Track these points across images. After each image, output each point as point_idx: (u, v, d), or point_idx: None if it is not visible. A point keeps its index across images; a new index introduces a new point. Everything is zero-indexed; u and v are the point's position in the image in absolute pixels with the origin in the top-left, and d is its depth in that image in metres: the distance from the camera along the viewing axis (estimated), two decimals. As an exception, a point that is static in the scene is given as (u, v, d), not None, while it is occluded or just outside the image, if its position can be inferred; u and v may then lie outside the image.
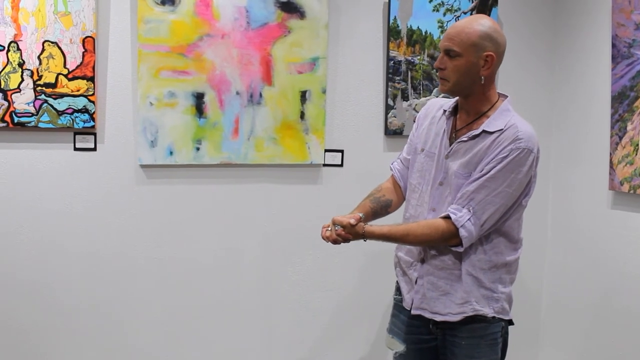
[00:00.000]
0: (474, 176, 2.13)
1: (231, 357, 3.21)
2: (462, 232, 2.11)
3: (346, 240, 2.17)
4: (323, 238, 2.21)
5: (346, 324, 3.35)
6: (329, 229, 2.19)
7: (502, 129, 2.13)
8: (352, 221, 2.15)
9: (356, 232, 2.15)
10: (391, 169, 2.50)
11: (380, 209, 2.39)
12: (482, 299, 2.19)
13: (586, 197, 3.23)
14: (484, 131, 2.15)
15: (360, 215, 2.21)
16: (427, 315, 2.24)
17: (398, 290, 2.40)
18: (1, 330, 2.93)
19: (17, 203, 2.91)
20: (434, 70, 3.18)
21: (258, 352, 3.25)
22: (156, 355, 3.12)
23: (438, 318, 2.22)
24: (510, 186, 2.11)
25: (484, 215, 2.11)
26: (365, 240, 2.20)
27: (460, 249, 2.16)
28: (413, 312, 2.27)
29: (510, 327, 2.30)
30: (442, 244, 2.17)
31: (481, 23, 2.13)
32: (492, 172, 2.10)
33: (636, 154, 2.86)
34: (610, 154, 3.00)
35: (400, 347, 2.35)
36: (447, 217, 2.14)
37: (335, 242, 2.18)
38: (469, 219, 2.11)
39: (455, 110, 2.28)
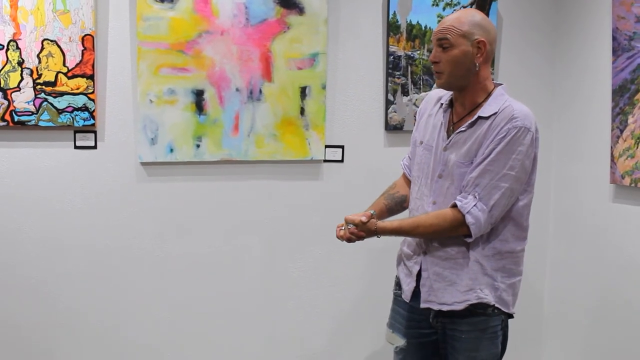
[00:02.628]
0: (475, 162, 2.14)
1: (233, 353, 3.22)
2: (469, 219, 2.11)
3: (360, 237, 2.18)
4: (337, 237, 2.24)
5: (348, 319, 3.35)
6: (343, 228, 2.22)
7: (496, 112, 2.14)
8: (364, 219, 2.17)
9: (368, 229, 2.17)
10: (402, 166, 2.52)
11: (395, 205, 2.43)
12: (486, 287, 2.19)
13: (588, 190, 3.23)
14: (479, 117, 2.16)
15: (372, 212, 2.23)
16: (435, 307, 2.24)
17: (397, 284, 2.41)
18: (2, 327, 2.94)
19: (17, 201, 2.91)
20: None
21: (260, 348, 3.25)
22: (158, 352, 3.13)
23: (445, 308, 2.22)
24: (513, 168, 2.11)
25: (491, 201, 2.11)
26: (379, 237, 2.22)
27: (470, 239, 2.15)
28: (422, 305, 2.26)
29: (513, 321, 2.30)
30: (452, 234, 2.17)
31: (470, 14, 2.19)
32: (493, 154, 2.10)
33: (637, 147, 2.85)
34: (612, 147, 3.00)
35: (401, 342, 2.35)
36: (455, 206, 2.15)
37: (349, 240, 2.21)
38: (475, 205, 2.11)
39: (452, 103, 2.29)
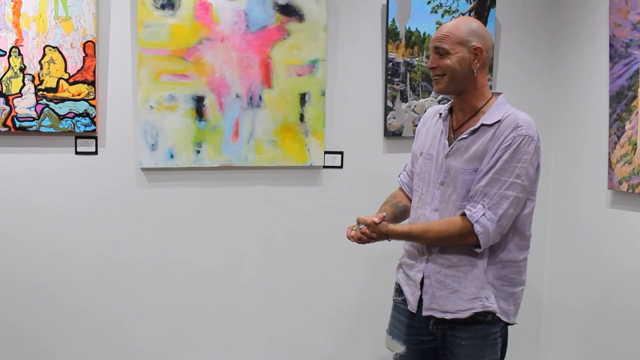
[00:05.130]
0: (482, 170, 2.15)
1: (233, 358, 3.22)
2: (477, 228, 2.11)
3: (370, 238, 2.19)
4: (348, 238, 2.25)
5: (347, 325, 3.36)
6: (354, 229, 2.23)
7: (500, 120, 2.16)
8: (376, 219, 2.18)
9: (380, 230, 2.18)
10: (398, 182, 2.53)
11: (400, 213, 2.44)
12: (490, 295, 2.19)
13: (585, 196, 3.24)
14: (482, 125, 2.18)
15: (384, 214, 2.24)
16: (438, 315, 2.23)
17: (397, 291, 2.41)
18: (4, 332, 2.95)
19: (19, 207, 2.92)
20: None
21: (260, 354, 3.26)
22: (158, 356, 3.13)
23: (448, 316, 2.21)
24: (519, 176, 2.12)
25: (499, 210, 2.12)
26: (389, 240, 2.23)
27: (479, 250, 2.16)
28: (424, 313, 2.26)
29: (511, 327, 2.30)
30: (461, 242, 2.17)
31: (467, 22, 2.22)
32: (500, 163, 2.12)
33: (634, 153, 2.87)
34: (609, 153, 3.02)
35: (401, 348, 2.35)
36: (464, 215, 2.16)
37: (360, 240, 2.21)
38: (483, 214, 2.11)
39: (450, 113, 2.31)
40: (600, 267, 3.14)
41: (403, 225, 2.24)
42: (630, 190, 2.90)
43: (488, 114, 2.19)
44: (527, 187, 2.16)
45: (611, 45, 2.98)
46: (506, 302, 2.23)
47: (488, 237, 2.13)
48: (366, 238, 2.20)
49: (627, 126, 2.91)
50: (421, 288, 2.27)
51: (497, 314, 2.20)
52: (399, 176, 2.55)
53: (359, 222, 2.21)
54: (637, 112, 2.85)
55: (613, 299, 3.06)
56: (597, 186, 3.14)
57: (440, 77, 2.21)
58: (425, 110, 2.50)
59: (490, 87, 2.31)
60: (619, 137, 2.96)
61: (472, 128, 2.19)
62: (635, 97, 2.86)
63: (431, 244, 2.24)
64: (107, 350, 3.07)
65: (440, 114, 2.33)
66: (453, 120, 2.29)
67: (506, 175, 2.12)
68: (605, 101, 3.05)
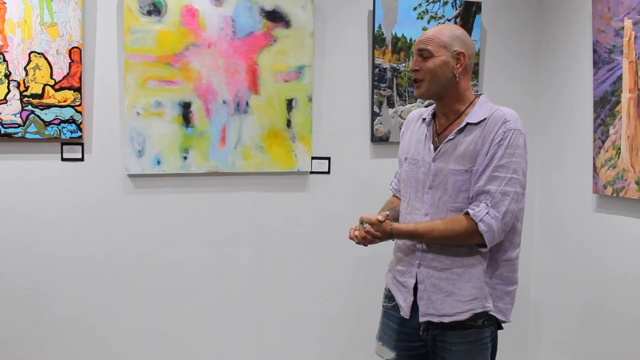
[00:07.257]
0: (478, 170, 2.15)
1: (221, 365, 3.22)
2: (482, 227, 2.11)
3: (375, 238, 2.18)
4: (351, 238, 2.24)
5: (336, 330, 3.36)
6: (357, 229, 2.21)
7: (485, 117, 2.17)
8: (380, 218, 2.18)
9: (384, 229, 2.17)
10: (391, 189, 2.55)
11: (399, 216, 2.43)
12: (488, 295, 2.20)
13: (571, 200, 3.27)
14: (468, 124, 2.18)
15: (387, 212, 2.24)
16: (435, 319, 2.22)
17: (387, 297, 2.41)
18: (-11, 342, 2.93)
19: (4, 213, 2.90)
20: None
21: (249, 359, 3.26)
22: (146, 365, 3.12)
23: (446, 320, 2.21)
24: (516, 171, 2.14)
25: (502, 207, 2.12)
26: (393, 240, 2.23)
27: (485, 249, 2.16)
28: (421, 319, 2.24)
29: (498, 330, 2.31)
30: (466, 241, 2.16)
31: (451, 28, 2.24)
32: (495, 160, 2.13)
33: (618, 158, 2.90)
34: (594, 157, 3.05)
35: (390, 355, 2.35)
36: (467, 214, 2.15)
37: (364, 240, 2.20)
38: (487, 213, 2.11)
39: (434, 117, 2.31)
40: (586, 270, 3.17)
41: (407, 224, 2.23)
42: (614, 195, 2.93)
43: (472, 113, 2.20)
44: (523, 181, 2.17)
45: (595, 51, 3.02)
46: (503, 301, 2.24)
47: (493, 235, 2.13)
48: (370, 237, 2.18)
49: (611, 131, 2.94)
50: (415, 294, 2.27)
51: (491, 312, 2.20)
52: (391, 184, 2.56)
53: (362, 222, 2.19)
54: (621, 117, 2.88)
55: (599, 301, 3.09)
56: (582, 190, 3.17)
57: (420, 82, 2.22)
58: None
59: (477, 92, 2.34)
60: (603, 142, 2.99)
61: (458, 128, 2.20)
62: (618, 102, 2.90)
63: (436, 243, 2.22)
64: (94, 356, 3.04)
65: (424, 118, 2.33)
66: (436, 125, 2.30)
67: (504, 172, 2.13)
68: (590, 106, 3.08)
